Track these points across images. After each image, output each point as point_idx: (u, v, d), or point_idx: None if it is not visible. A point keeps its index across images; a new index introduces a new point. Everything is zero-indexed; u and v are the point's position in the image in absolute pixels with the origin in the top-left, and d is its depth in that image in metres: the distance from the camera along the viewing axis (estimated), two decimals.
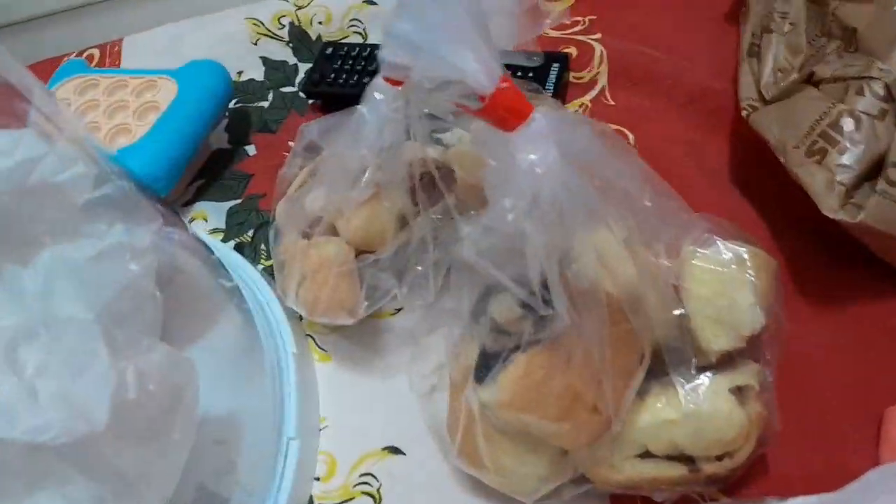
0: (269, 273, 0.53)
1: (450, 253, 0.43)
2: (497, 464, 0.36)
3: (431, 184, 0.42)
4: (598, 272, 0.33)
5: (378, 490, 0.43)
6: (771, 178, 0.47)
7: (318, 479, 0.44)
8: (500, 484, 0.37)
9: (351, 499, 0.43)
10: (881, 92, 0.39)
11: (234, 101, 0.63)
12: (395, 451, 0.44)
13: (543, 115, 0.30)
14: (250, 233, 0.57)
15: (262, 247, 0.56)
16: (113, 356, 0.33)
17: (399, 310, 0.49)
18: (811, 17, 0.49)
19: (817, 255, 0.44)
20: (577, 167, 0.29)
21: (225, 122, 0.63)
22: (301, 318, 0.50)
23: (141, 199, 0.42)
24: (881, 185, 0.37)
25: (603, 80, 0.59)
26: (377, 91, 0.38)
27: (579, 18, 0.63)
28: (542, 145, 0.29)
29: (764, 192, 0.48)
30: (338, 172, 0.42)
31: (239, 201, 0.59)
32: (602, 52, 0.60)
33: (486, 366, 0.34)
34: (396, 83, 0.38)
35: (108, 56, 0.72)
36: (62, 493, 0.33)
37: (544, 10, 0.33)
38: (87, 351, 0.33)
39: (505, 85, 0.29)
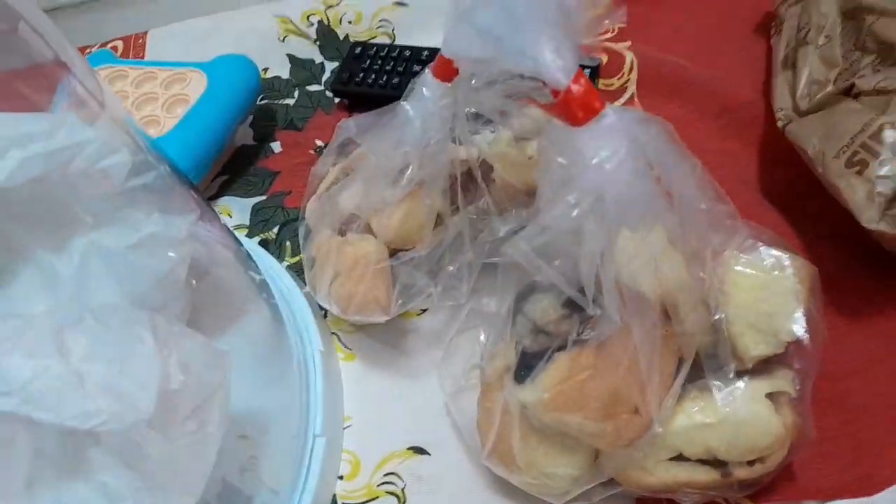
0: (294, 270, 0.53)
1: (486, 253, 0.44)
2: (530, 464, 0.36)
3: (470, 180, 0.43)
4: (644, 267, 0.33)
5: (403, 490, 0.43)
6: (803, 189, 0.47)
7: (341, 477, 0.44)
8: (531, 486, 0.37)
9: (375, 498, 0.43)
10: None
11: (259, 98, 0.64)
12: (420, 451, 0.44)
13: (615, 110, 0.30)
14: (275, 230, 0.57)
15: (287, 244, 0.56)
16: (157, 344, 0.33)
17: (425, 310, 0.50)
18: (846, 32, 0.49)
19: (850, 268, 0.45)
20: (645, 168, 0.30)
21: (250, 118, 0.64)
22: (326, 315, 0.51)
23: (179, 187, 0.42)
24: None
25: (632, 88, 0.59)
26: (425, 87, 0.39)
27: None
28: (613, 141, 0.29)
29: (796, 204, 0.49)
30: (377, 170, 0.42)
31: (264, 198, 0.59)
32: (632, 59, 0.61)
33: (527, 366, 0.35)
34: (445, 78, 0.38)
35: (133, 48, 0.73)
36: (100, 481, 0.34)
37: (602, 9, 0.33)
38: (134, 337, 0.33)
39: (580, 79, 0.30)
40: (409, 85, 0.41)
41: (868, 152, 0.39)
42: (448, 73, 0.38)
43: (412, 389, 0.47)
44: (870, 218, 0.38)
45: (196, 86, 0.59)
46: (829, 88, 0.46)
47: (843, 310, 0.43)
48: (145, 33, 0.74)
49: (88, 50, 0.74)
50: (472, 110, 0.43)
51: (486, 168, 0.44)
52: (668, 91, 0.59)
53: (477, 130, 0.46)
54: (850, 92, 0.44)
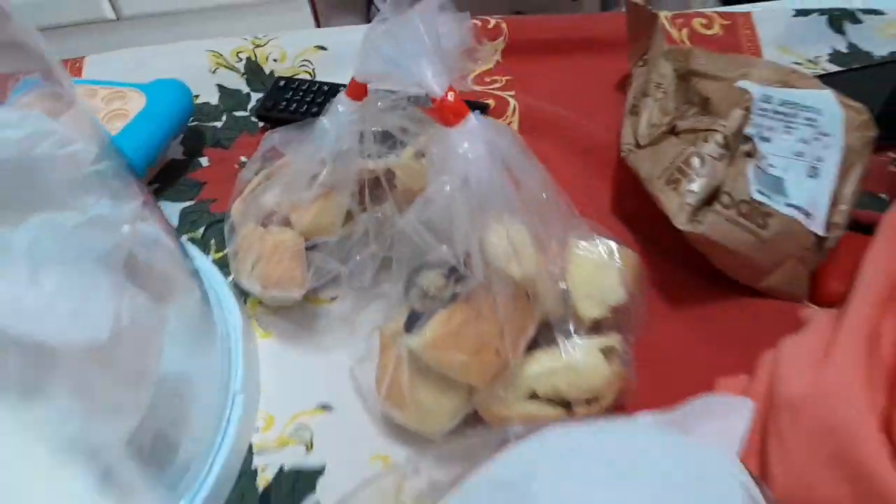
0: (217, 264, 0.61)
1: (388, 247, 0.53)
2: (416, 402, 0.45)
3: (376, 186, 0.52)
4: (506, 252, 0.44)
5: (311, 439, 0.51)
6: (641, 206, 0.60)
7: (257, 430, 0.52)
8: (416, 421, 0.46)
9: (287, 445, 0.51)
10: (721, 141, 0.53)
11: (190, 120, 0.72)
12: (326, 408, 0.52)
13: (477, 117, 0.41)
14: (201, 230, 0.65)
15: (212, 242, 0.64)
16: (113, 289, 0.41)
17: (334, 298, 0.58)
18: (678, 89, 0.63)
19: (673, 264, 0.57)
20: (499, 161, 0.41)
21: (181, 136, 0.72)
22: (245, 301, 0.59)
23: (129, 177, 0.50)
24: (716, 206, 0.51)
25: (514, 127, 0.71)
26: (340, 104, 0.49)
27: (498, 77, 0.76)
28: (474, 138, 0.41)
29: (636, 218, 0.61)
30: (297, 173, 0.52)
31: (192, 203, 0.67)
32: (515, 105, 0.73)
33: (415, 320, 0.44)
34: (356, 98, 0.48)
35: (70, 72, 0.80)
36: (54, 404, 0.40)
37: (476, 53, 0.45)
38: (93, 281, 0.40)
39: (451, 91, 0.41)
40: (327, 105, 0.51)
41: (681, 173, 0.52)
42: (359, 93, 0.49)
43: (322, 362, 0.55)
44: (680, 221, 0.50)
45: (135, 103, 0.67)
46: (662, 129, 0.59)
47: (666, 296, 0.55)
48: (82, 58, 0.81)
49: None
50: (380, 129, 0.53)
51: (390, 175, 0.54)
52: (543, 132, 0.71)
53: (384, 153, 0.56)
54: (673, 131, 0.57)
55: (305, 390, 0.53)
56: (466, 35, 0.45)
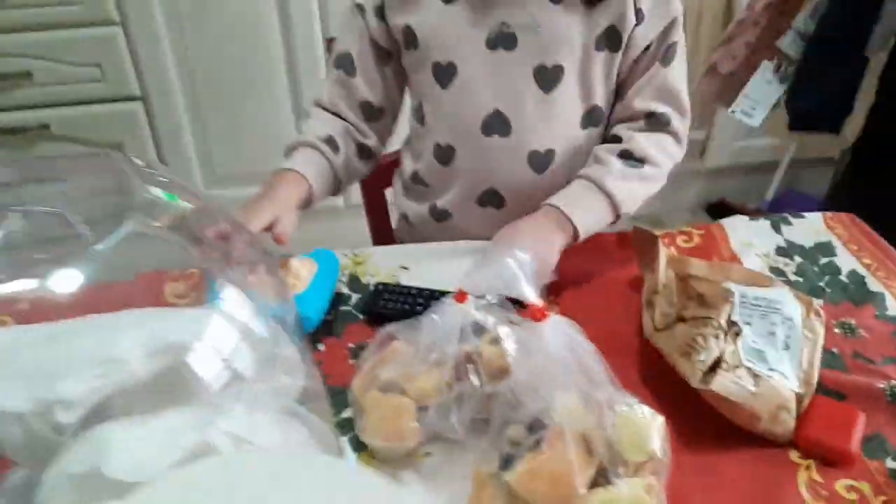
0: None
1: (478, 408, 0.64)
2: None
3: (468, 362, 0.65)
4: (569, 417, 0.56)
5: None
6: (666, 374, 0.71)
7: None
8: None
9: None
10: (716, 325, 0.66)
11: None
12: None
13: (556, 316, 0.55)
14: None
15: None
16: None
17: (428, 454, 0.68)
18: (678, 289, 0.77)
19: (694, 420, 0.67)
20: (568, 346, 0.54)
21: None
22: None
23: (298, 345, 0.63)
24: (719, 371, 0.63)
25: None
26: (448, 305, 0.63)
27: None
28: (555, 331, 0.54)
29: (661, 383, 0.72)
30: (411, 353, 0.65)
31: None
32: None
33: (509, 460, 0.55)
34: (460, 301, 0.62)
35: None
36: None
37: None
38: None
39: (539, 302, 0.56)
40: (434, 305, 0.65)
41: (691, 348, 0.64)
42: (462, 298, 0.63)
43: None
44: (695, 382, 0.62)
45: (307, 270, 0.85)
46: (671, 318, 0.72)
47: (685, 448, 0.65)
48: None
49: None
50: (474, 321, 0.67)
51: (477, 355, 0.66)
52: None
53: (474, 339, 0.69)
54: (681, 319, 0.71)
55: None
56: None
